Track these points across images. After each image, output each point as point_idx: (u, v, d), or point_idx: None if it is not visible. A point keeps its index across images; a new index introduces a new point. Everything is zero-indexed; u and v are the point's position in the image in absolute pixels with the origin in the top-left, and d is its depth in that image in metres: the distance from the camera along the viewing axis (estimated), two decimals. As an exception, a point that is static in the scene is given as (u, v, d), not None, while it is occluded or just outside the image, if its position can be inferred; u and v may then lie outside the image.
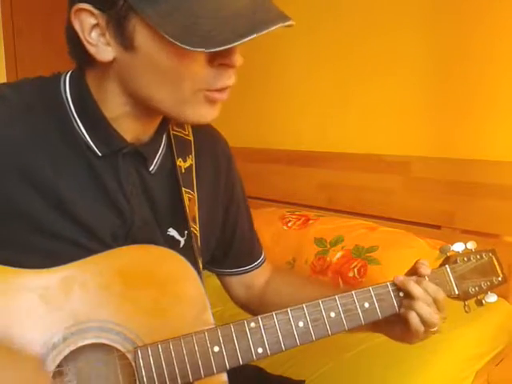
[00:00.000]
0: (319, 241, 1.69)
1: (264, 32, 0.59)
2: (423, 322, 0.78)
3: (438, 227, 1.68)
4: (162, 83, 0.65)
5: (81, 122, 0.70)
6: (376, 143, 1.86)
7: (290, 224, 1.84)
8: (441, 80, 1.67)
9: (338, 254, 1.61)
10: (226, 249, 0.94)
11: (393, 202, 1.78)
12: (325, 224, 1.77)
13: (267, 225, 1.87)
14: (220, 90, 0.67)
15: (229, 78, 0.67)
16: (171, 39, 0.59)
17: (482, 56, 1.56)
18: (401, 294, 0.81)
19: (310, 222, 1.81)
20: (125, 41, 0.63)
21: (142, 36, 0.62)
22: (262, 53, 2.20)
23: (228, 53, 0.64)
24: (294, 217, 1.87)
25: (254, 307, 0.99)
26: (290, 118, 2.15)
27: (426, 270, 0.82)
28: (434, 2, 1.66)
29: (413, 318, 0.78)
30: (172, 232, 0.80)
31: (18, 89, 0.71)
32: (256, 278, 0.99)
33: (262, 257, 1.01)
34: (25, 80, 0.73)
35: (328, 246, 1.66)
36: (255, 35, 0.59)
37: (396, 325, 0.82)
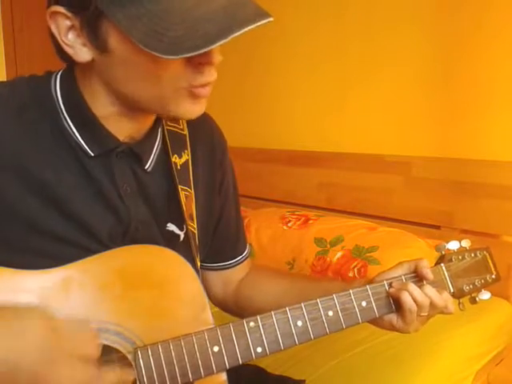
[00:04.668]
0: (319, 241, 1.69)
1: (236, 35, 0.57)
2: (416, 302, 0.78)
3: (438, 227, 1.68)
4: (141, 83, 0.65)
5: (71, 121, 0.70)
6: (376, 143, 1.86)
7: (290, 224, 1.84)
8: (441, 80, 1.67)
9: (338, 254, 1.61)
10: (211, 236, 0.92)
11: (393, 202, 1.78)
12: (325, 224, 1.77)
13: (267, 225, 1.87)
14: (202, 86, 0.66)
15: (209, 75, 0.66)
16: (139, 44, 0.59)
17: (481, 56, 1.56)
18: None
19: (310, 221, 1.81)
20: (99, 44, 0.63)
21: (115, 40, 0.62)
22: (262, 53, 2.20)
23: (205, 53, 0.62)
24: (294, 217, 1.87)
25: (230, 304, 0.98)
26: (289, 118, 2.15)
27: (430, 275, 0.82)
28: (434, 2, 1.66)
29: (405, 297, 0.77)
30: (171, 227, 0.80)
31: (12, 88, 0.71)
32: (236, 274, 0.97)
33: (246, 252, 0.99)
34: (18, 79, 0.73)
35: (328, 246, 1.66)
36: (226, 40, 0.57)
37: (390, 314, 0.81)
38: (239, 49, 2.17)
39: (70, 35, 0.64)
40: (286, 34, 2.09)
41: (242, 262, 0.98)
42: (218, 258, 0.95)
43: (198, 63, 0.64)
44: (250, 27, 0.57)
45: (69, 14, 0.63)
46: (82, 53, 0.65)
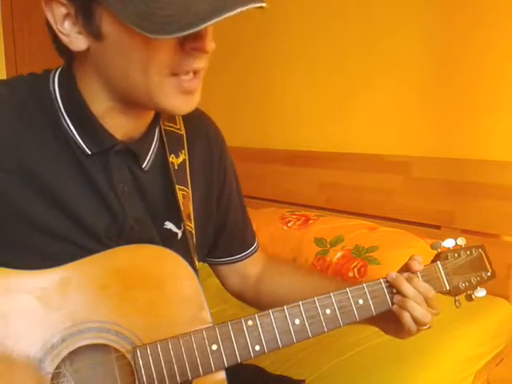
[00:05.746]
0: (319, 241, 1.69)
1: (230, 14, 0.56)
2: (415, 321, 0.79)
3: (438, 227, 1.68)
4: (132, 70, 0.64)
5: (69, 120, 0.70)
6: (376, 143, 1.86)
7: (290, 224, 1.84)
8: (441, 80, 1.67)
9: (338, 254, 1.61)
10: (218, 234, 0.92)
11: (393, 202, 1.78)
12: (325, 224, 1.77)
13: (267, 225, 1.87)
14: (190, 76, 0.65)
15: (199, 61, 0.65)
16: (131, 26, 0.58)
17: (481, 56, 1.57)
18: (394, 291, 0.82)
19: (310, 221, 1.81)
20: (93, 30, 0.63)
21: (108, 24, 0.62)
22: (264, 53, 2.20)
23: (198, 37, 0.61)
24: (294, 217, 1.87)
25: (249, 297, 0.99)
26: (290, 118, 2.15)
27: (417, 266, 0.83)
28: (434, 4, 1.66)
29: (406, 317, 0.79)
30: (169, 225, 0.80)
31: (11, 86, 0.71)
32: (250, 268, 0.98)
33: (255, 245, 1.00)
34: (17, 78, 0.73)
35: (328, 246, 1.66)
36: (219, 18, 0.56)
37: (390, 321, 0.83)
38: (242, 49, 2.17)
39: (66, 23, 0.64)
40: (289, 36, 2.09)
41: (252, 254, 0.98)
42: (227, 253, 0.96)
43: (191, 49, 0.63)
44: (243, 8, 0.56)
45: (64, 1, 0.63)
46: (78, 41, 0.65)
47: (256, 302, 0.98)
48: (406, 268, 0.85)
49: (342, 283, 0.87)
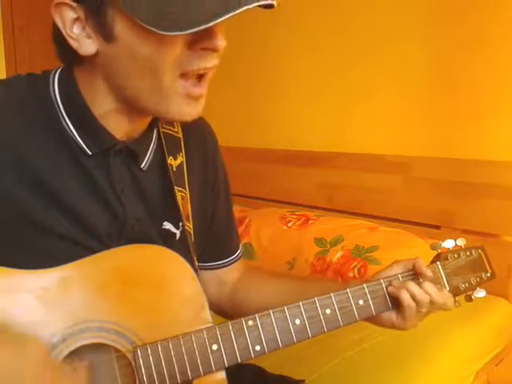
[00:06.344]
0: (319, 241, 1.69)
1: (241, 10, 0.56)
2: (415, 299, 0.79)
3: (438, 227, 1.69)
4: (142, 73, 0.64)
5: (70, 121, 0.70)
6: (376, 143, 1.86)
7: (290, 224, 1.84)
8: (441, 80, 1.67)
9: (338, 254, 1.61)
10: (206, 233, 0.91)
11: (393, 202, 1.78)
12: (325, 224, 1.77)
13: (267, 225, 1.87)
14: (196, 81, 0.65)
15: (208, 61, 0.64)
16: (144, 24, 0.58)
17: (482, 56, 1.57)
18: None
19: (310, 222, 1.81)
20: (105, 32, 0.62)
21: (120, 25, 0.62)
22: (265, 53, 2.20)
23: (208, 36, 0.61)
24: (294, 217, 1.87)
25: (225, 306, 0.97)
26: (290, 119, 2.15)
27: (429, 272, 0.83)
28: (436, 3, 1.66)
29: (404, 294, 0.79)
30: (167, 225, 0.80)
31: (10, 86, 0.71)
32: (230, 274, 0.97)
33: (239, 252, 0.99)
34: (16, 77, 0.73)
35: (328, 246, 1.66)
36: (233, 13, 0.56)
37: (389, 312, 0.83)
38: (245, 51, 2.17)
39: (75, 28, 0.64)
40: (292, 36, 2.09)
41: (234, 261, 0.97)
42: (210, 258, 0.95)
43: (201, 49, 0.63)
44: (255, 4, 0.56)
45: (74, 5, 0.63)
46: (87, 45, 0.64)
47: (231, 308, 0.96)
48: (406, 269, 0.85)
49: (326, 286, 0.84)
